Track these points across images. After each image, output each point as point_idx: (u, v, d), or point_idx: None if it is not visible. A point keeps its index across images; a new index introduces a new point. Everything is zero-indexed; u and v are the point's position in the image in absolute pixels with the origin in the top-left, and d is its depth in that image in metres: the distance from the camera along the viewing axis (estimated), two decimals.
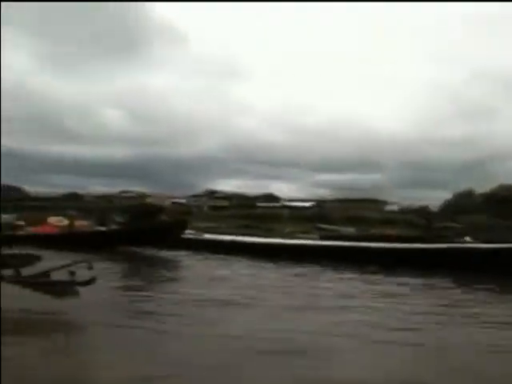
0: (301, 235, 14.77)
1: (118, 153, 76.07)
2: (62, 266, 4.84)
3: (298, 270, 7.67)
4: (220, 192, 45.93)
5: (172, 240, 9.68)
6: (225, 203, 42.77)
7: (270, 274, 7.30)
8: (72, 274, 4.40)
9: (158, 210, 10.89)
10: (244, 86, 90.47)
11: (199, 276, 6.90)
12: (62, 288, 4.46)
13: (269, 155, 70.70)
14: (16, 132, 67.07)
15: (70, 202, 39.45)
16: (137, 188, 47.15)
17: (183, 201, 42.10)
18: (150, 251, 9.70)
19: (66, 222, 11.35)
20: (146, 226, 9.88)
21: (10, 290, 4.67)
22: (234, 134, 79.43)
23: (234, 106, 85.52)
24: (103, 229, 10.62)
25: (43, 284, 4.56)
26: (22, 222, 10.38)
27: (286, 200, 50.43)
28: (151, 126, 78.02)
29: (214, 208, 41.28)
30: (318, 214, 37.23)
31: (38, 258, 5.46)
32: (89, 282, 4.40)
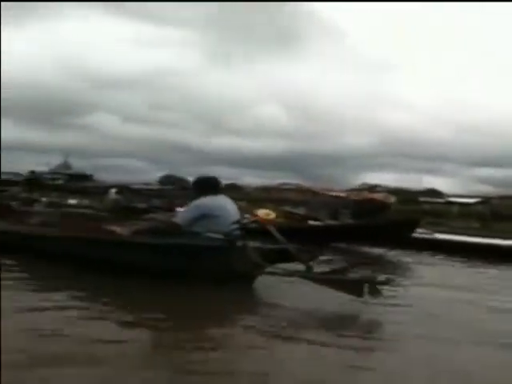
0: None
1: (274, 146, 78.10)
2: (360, 264, 4.90)
3: None
4: (380, 186, 44.22)
5: (401, 239, 8.79)
6: (368, 197, 40.81)
7: None
8: (373, 271, 4.30)
9: (383, 206, 10.15)
10: (399, 81, 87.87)
11: None
12: (361, 286, 4.12)
13: (423, 149, 67.96)
14: (181, 127, 71.69)
15: (231, 193, 40.74)
16: (294, 181, 47.49)
17: (343, 194, 41.11)
18: (378, 250, 8.91)
19: (273, 215, 10.98)
20: (373, 222, 9.19)
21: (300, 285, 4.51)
22: (386, 127, 77.35)
23: (389, 100, 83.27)
24: (321, 224, 10.13)
25: (341, 282, 4.26)
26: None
27: (448, 195, 47.35)
28: (306, 119, 78.78)
29: None
30: (493, 212, 34.23)
31: (319, 253, 5.06)
32: (387, 281, 4.18)
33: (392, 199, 11.62)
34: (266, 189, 44.21)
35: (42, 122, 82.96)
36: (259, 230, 5.18)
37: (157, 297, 4.25)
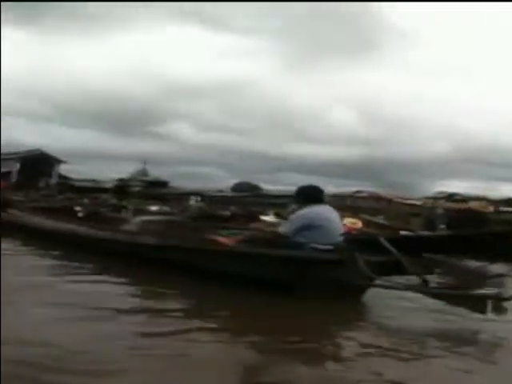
0: None
1: (347, 153, 77.29)
2: (484, 278, 4.39)
3: None
4: (459, 194, 42.46)
5: (503, 251, 8.26)
6: (465, 206, 39.15)
7: None
8: (501, 286, 3.97)
9: (481, 216, 9.65)
10: (474, 86, 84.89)
11: None
12: (484, 303, 3.86)
13: (500, 156, 65.01)
14: (255, 135, 72.56)
15: None
16: (368, 188, 46.54)
17: (419, 203, 39.91)
18: (478, 263, 8.45)
19: (360, 224, 10.78)
20: (473, 232, 8.70)
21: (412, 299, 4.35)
22: (460, 133, 74.76)
23: (462, 106, 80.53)
24: (415, 234, 9.74)
25: (463, 297, 4.04)
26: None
27: None
28: (380, 126, 77.53)
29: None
30: None
31: (434, 266, 4.84)
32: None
33: (490, 208, 11.00)
34: (341, 196, 43.51)
35: (119, 131, 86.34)
36: (365, 241, 5.01)
37: (264, 308, 4.19)
